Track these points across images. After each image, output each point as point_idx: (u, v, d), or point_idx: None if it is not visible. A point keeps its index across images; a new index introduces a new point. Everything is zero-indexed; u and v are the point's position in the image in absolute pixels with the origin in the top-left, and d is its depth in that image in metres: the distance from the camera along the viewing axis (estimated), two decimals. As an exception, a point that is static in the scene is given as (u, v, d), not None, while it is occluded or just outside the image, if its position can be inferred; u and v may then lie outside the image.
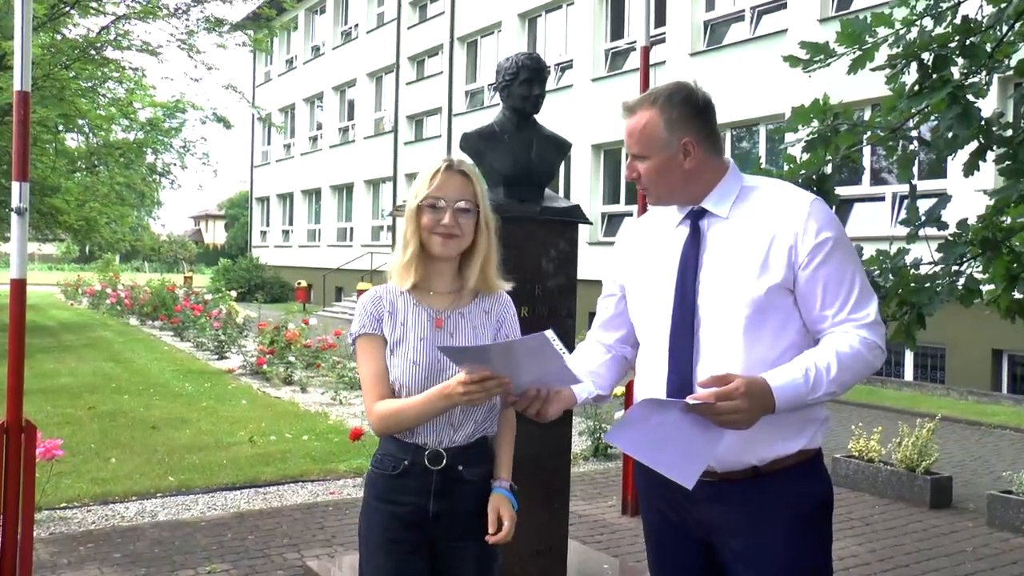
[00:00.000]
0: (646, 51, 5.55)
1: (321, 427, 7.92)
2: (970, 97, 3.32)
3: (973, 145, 3.46)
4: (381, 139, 26.11)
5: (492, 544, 2.14)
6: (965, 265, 3.57)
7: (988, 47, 3.41)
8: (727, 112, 13.23)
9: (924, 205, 3.56)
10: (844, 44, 3.43)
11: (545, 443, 3.68)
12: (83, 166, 18.75)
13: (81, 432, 7.36)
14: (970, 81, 3.38)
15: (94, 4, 14.09)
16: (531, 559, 3.66)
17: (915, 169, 4.25)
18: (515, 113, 3.67)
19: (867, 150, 5.92)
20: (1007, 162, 3.46)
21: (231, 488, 5.89)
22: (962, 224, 3.55)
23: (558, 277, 3.72)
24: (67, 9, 13.69)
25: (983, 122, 3.38)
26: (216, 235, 60.98)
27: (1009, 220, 3.62)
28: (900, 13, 3.50)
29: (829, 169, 3.60)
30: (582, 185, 17.81)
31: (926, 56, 3.39)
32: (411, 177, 22.84)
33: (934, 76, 3.36)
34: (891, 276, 3.56)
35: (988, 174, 5.56)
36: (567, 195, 17.39)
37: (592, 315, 2.45)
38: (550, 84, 4.96)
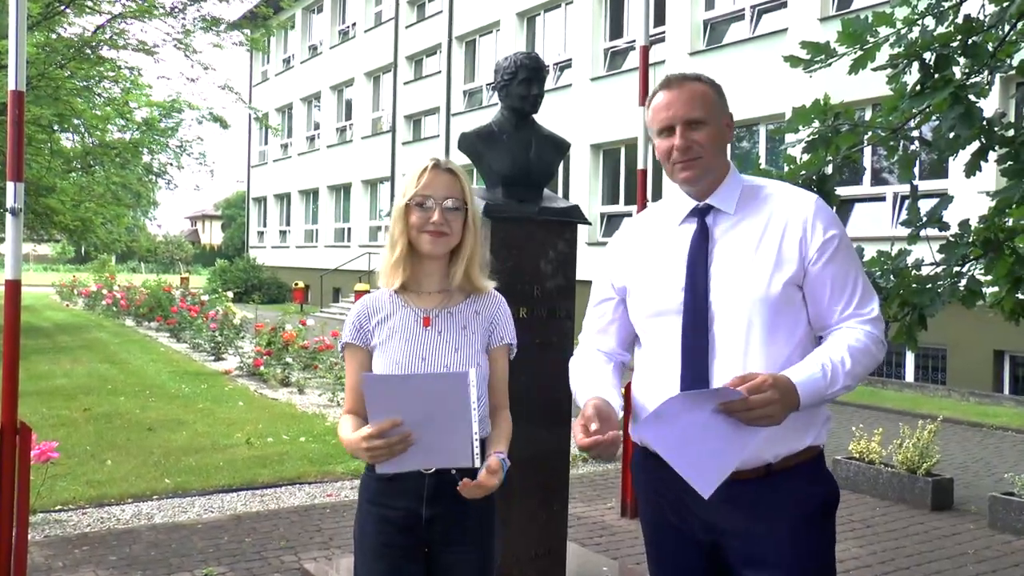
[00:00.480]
0: (645, 50, 5.53)
1: (318, 429, 7.89)
2: (972, 97, 3.31)
3: (975, 145, 3.45)
4: (379, 139, 26.09)
5: (488, 547, 2.16)
6: (967, 266, 3.55)
7: (990, 47, 3.39)
8: (725, 112, 13.19)
9: (925, 206, 3.54)
10: (845, 44, 3.41)
11: (544, 445, 3.66)
12: (79, 166, 18.66)
13: (76, 434, 7.32)
14: (972, 81, 3.37)
15: (89, 3, 14.03)
16: (530, 562, 3.64)
17: (916, 169, 4.23)
18: (513, 113, 3.65)
19: (868, 150, 5.91)
20: (1009, 162, 3.44)
21: (228, 490, 5.86)
22: (963, 225, 3.54)
23: (557, 278, 3.69)
24: (62, 8, 13.64)
25: (985, 122, 3.36)
26: (213, 236, 60.98)
27: (1012, 221, 3.60)
28: (901, 12, 3.49)
29: (830, 169, 3.58)
30: (581, 185, 17.79)
31: (928, 56, 3.37)
32: (409, 177, 22.76)
33: (936, 76, 3.34)
34: (892, 277, 3.54)
35: (990, 175, 5.54)
36: (566, 195, 17.36)
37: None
38: (549, 84, 4.94)
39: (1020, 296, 3.54)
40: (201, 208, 63.23)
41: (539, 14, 19.83)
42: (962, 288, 3.49)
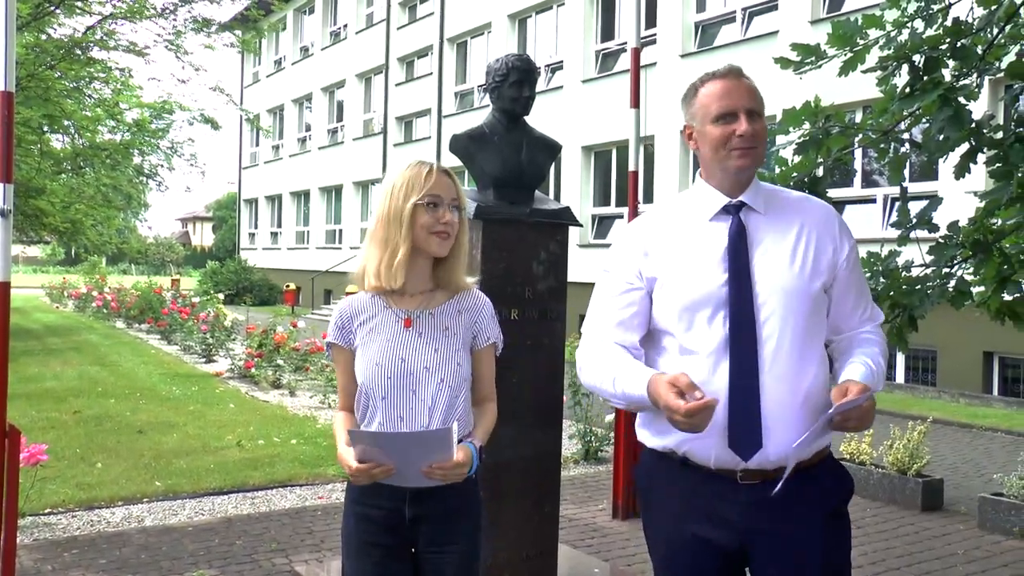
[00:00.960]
0: (637, 52, 5.53)
1: (310, 431, 7.87)
2: (961, 99, 3.32)
3: (964, 147, 3.46)
4: (370, 140, 26.06)
5: (474, 547, 2.18)
6: (956, 267, 3.57)
7: (979, 49, 3.41)
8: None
9: (915, 207, 3.56)
10: (835, 46, 3.43)
11: (535, 446, 3.66)
12: (68, 167, 18.54)
13: (66, 437, 7.29)
14: (961, 83, 3.38)
15: (80, 3, 13.96)
16: (521, 563, 3.64)
17: (906, 171, 4.25)
18: (505, 115, 3.65)
19: (858, 152, 5.92)
20: (998, 164, 3.46)
21: (219, 493, 5.84)
22: (953, 226, 3.55)
23: (548, 280, 3.70)
24: (52, 8, 13.57)
25: (974, 124, 3.37)
26: (204, 237, 60.77)
27: (1000, 222, 3.62)
28: (891, 15, 3.50)
29: (821, 171, 3.59)
30: (572, 187, 17.80)
31: (917, 58, 3.38)
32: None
33: (925, 78, 3.36)
34: (882, 279, 3.56)
35: (979, 176, 5.57)
36: (557, 197, 17.36)
37: (583, 317, 2.32)
38: (540, 85, 4.94)
39: (1006, 296, 3.56)
40: (192, 210, 63.00)
41: (530, 16, 19.84)
42: (951, 289, 3.50)
